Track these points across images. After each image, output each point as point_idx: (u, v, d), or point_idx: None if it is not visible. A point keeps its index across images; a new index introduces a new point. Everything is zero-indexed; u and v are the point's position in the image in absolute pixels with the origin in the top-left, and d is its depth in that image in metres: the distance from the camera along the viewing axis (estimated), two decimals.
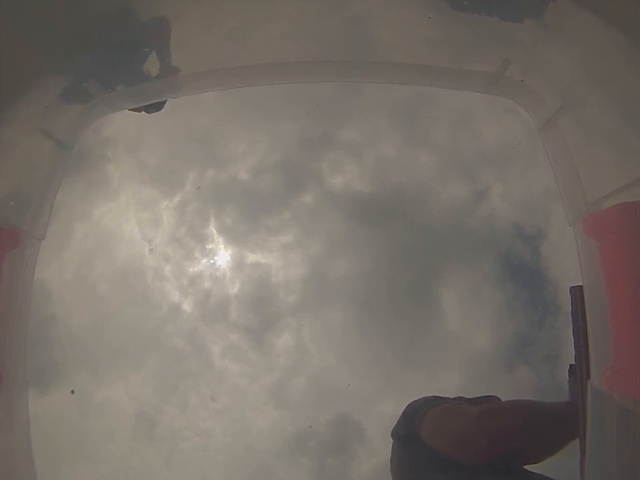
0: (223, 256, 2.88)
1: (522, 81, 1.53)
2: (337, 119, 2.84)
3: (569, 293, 1.47)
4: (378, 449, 2.65)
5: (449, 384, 2.55)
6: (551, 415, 1.45)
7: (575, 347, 1.42)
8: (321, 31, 1.61)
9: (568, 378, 1.49)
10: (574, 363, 1.46)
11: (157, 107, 2.05)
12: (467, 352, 2.73)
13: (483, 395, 1.63)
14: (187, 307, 2.81)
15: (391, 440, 1.57)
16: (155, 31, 1.57)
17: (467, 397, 1.63)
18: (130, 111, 1.98)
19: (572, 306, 1.45)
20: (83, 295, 2.77)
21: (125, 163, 2.85)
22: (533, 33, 1.43)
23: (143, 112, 2.09)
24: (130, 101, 1.72)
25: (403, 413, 1.56)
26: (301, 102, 2.68)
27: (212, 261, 2.87)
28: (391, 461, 1.54)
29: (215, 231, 2.88)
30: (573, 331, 1.45)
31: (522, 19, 1.42)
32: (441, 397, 1.58)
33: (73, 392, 2.61)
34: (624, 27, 1.22)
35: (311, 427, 2.68)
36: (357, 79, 2.00)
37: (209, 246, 2.88)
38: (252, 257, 2.87)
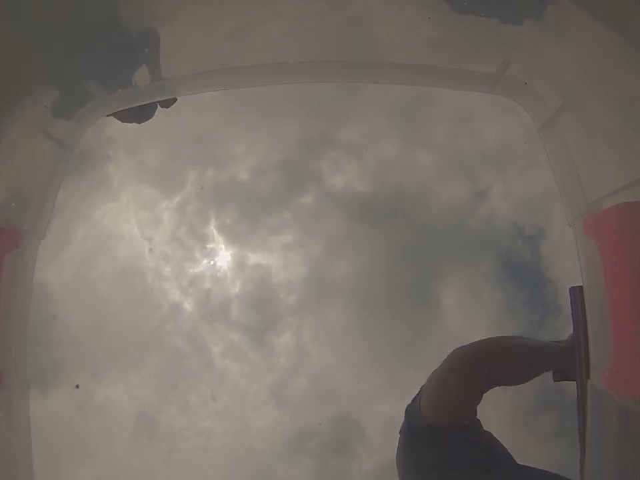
0: (223, 256, 2.89)
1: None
2: (336, 118, 2.83)
3: (568, 293, 1.47)
4: (378, 448, 2.66)
5: None
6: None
7: (575, 347, 1.42)
8: (321, 31, 1.60)
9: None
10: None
11: (147, 115, 2.05)
12: None
13: None
14: (187, 306, 2.82)
15: (393, 439, 1.58)
16: (148, 34, 1.57)
17: None
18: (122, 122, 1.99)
19: (572, 306, 1.45)
20: (83, 294, 2.77)
21: (126, 163, 2.86)
22: (533, 33, 1.43)
23: (135, 123, 2.10)
24: (130, 101, 1.72)
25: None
26: (301, 102, 2.68)
27: (212, 261, 2.87)
28: (397, 463, 1.54)
29: (215, 231, 2.89)
30: (573, 331, 1.45)
31: (522, 19, 1.42)
32: None
33: (77, 387, 2.61)
34: (624, 27, 1.22)
35: (320, 424, 2.68)
36: (357, 79, 2.00)
37: (209, 245, 2.88)
38: (252, 257, 2.88)
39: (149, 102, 1.87)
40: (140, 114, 2.05)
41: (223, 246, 2.89)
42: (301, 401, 2.77)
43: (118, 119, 2.03)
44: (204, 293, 2.83)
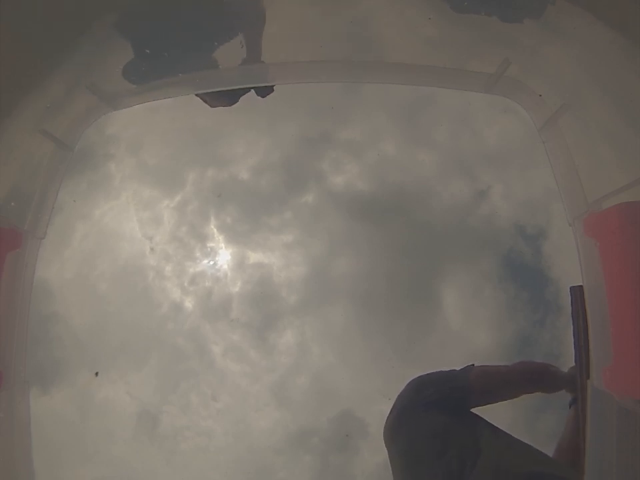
0: (224, 255, 2.88)
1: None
2: (337, 118, 2.83)
3: (569, 293, 1.47)
4: (379, 447, 2.66)
5: None
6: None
7: (575, 347, 1.43)
8: (321, 31, 1.60)
9: None
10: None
11: (231, 100, 2.05)
12: (468, 351, 2.73)
13: None
14: (188, 305, 2.82)
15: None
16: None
17: None
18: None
19: (572, 306, 1.45)
20: (83, 293, 2.77)
21: (127, 161, 2.85)
22: (532, 33, 1.43)
23: (221, 106, 2.09)
24: (130, 101, 1.72)
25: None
26: (301, 102, 2.68)
27: (213, 261, 2.87)
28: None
29: (215, 230, 2.88)
30: (573, 331, 1.45)
31: (522, 19, 1.42)
32: None
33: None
34: (624, 27, 1.22)
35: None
36: (357, 79, 2.00)
37: (210, 244, 2.88)
38: (253, 256, 2.87)
39: (154, 100, 1.85)
40: (229, 98, 2.04)
41: (223, 245, 2.89)
42: (303, 400, 2.77)
43: (206, 102, 2.03)
44: (205, 292, 2.83)
